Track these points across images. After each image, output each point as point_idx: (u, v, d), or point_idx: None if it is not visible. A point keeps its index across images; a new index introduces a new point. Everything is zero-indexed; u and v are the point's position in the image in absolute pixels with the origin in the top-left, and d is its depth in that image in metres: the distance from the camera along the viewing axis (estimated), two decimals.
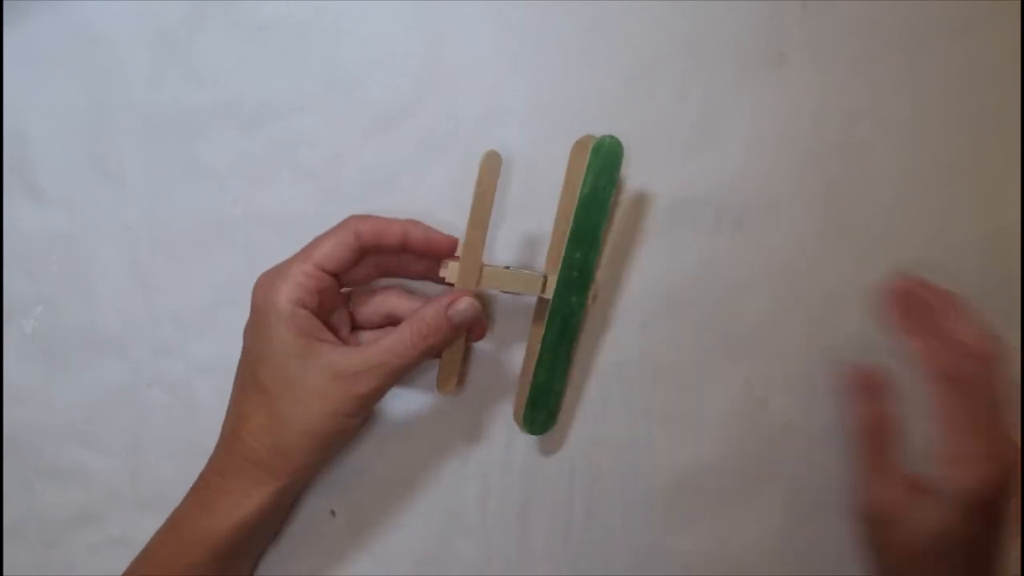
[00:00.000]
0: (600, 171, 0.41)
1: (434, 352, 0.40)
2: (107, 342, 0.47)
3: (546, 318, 0.42)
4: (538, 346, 0.43)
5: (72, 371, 0.47)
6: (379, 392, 0.39)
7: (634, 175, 0.45)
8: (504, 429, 0.46)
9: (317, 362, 0.38)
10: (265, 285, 0.39)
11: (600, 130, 0.45)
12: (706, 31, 0.45)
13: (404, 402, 0.46)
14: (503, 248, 0.46)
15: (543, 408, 0.43)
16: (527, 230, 0.46)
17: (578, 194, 0.41)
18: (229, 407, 0.41)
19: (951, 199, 0.46)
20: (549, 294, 0.42)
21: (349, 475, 0.46)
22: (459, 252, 0.41)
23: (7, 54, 0.47)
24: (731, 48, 0.45)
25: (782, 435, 0.45)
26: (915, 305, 0.39)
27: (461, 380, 0.45)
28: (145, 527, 0.46)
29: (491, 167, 0.40)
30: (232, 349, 0.42)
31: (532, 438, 0.46)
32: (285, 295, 0.38)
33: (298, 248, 0.45)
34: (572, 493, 0.46)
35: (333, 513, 0.45)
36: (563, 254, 0.42)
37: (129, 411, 0.47)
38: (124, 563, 0.46)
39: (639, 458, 0.46)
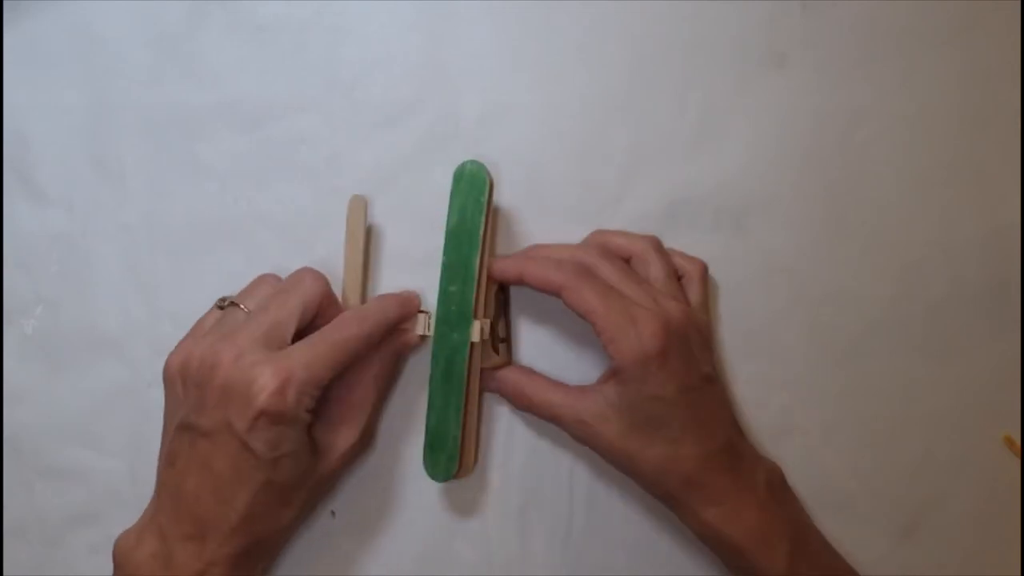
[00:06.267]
0: (465, 199, 0.40)
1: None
2: (107, 342, 0.47)
3: (430, 357, 0.41)
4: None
5: (72, 371, 0.47)
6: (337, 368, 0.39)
7: (634, 175, 0.45)
8: (504, 430, 0.46)
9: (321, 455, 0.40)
10: (280, 390, 0.36)
11: (600, 129, 0.46)
12: (706, 31, 0.45)
13: (403, 403, 0.46)
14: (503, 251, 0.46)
15: (441, 451, 0.41)
16: (526, 231, 0.46)
17: (446, 226, 0.40)
18: (234, 501, 0.37)
19: (951, 199, 0.46)
20: (431, 331, 0.41)
21: (349, 476, 0.46)
22: (342, 299, 0.42)
23: (7, 54, 0.47)
24: (731, 48, 0.45)
25: (782, 435, 0.45)
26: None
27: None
28: None
29: (357, 210, 0.43)
30: None
31: (532, 438, 0.46)
32: (305, 407, 0.37)
33: (297, 248, 0.46)
34: (572, 493, 0.46)
35: (333, 513, 0.45)
36: (439, 288, 0.40)
37: (129, 411, 0.47)
38: None
39: None
